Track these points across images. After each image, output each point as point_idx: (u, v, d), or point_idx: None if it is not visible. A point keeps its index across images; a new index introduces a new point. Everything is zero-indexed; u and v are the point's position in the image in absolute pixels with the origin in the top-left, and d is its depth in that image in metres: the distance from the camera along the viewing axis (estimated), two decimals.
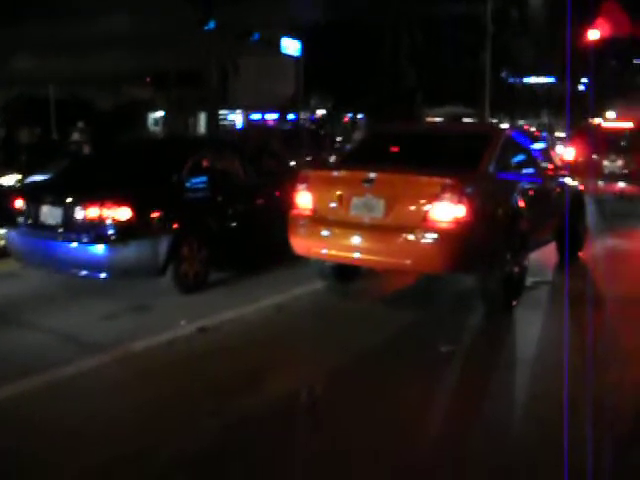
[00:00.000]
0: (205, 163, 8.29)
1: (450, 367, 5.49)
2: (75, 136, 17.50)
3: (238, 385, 5.02)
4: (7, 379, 5.02)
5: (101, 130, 21.45)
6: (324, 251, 6.96)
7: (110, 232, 6.92)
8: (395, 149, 7.86)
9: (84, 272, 7.20)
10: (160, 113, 37.59)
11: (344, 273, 7.58)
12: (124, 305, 6.98)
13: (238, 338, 6.08)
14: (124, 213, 6.95)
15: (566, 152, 17.35)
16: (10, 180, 11.57)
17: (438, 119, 35.21)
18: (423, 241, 6.32)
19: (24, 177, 11.53)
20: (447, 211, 6.23)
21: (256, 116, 38.86)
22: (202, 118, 34.79)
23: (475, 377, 5.33)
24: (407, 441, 4.18)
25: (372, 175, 6.65)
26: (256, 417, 4.49)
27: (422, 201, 6.38)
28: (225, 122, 36.04)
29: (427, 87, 37.04)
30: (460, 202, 6.21)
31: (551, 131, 38.48)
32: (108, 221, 6.92)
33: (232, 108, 36.67)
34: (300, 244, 7.09)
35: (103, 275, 7.11)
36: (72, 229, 7.10)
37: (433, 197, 6.28)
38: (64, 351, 5.74)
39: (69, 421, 4.45)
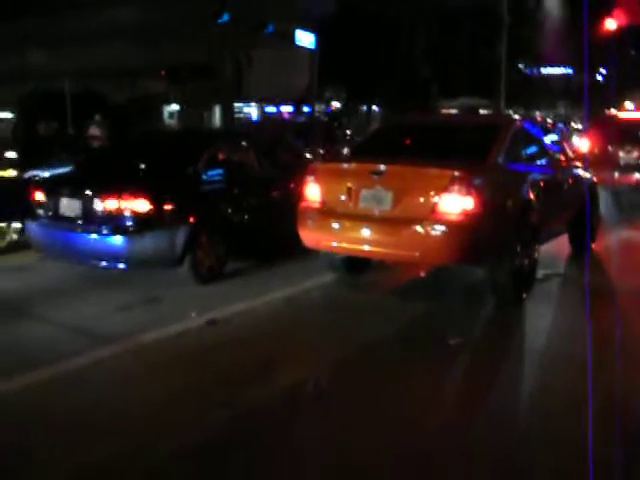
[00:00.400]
0: (221, 155, 8.36)
1: (458, 359, 5.51)
2: (92, 130, 17.43)
3: (246, 377, 5.04)
4: (15, 371, 5.05)
5: (116, 123, 21.47)
6: (333, 244, 6.97)
7: (128, 223, 7.02)
8: (405, 141, 7.84)
9: (103, 263, 7.32)
10: (175, 106, 37.67)
11: (354, 265, 7.58)
12: (139, 296, 7.05)
13: (247, 330, 6.11)
14: (142, 205, 7.04)
15: (582, 143, 17.23)
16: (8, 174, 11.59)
17: (453, 111, 35.05)
18: (432, 233, 6.32)
19: (21, 172, 11.59)
20: (455, 203, 6.22)
21: (271, 109, 38.86)
22: (217, 111, 34.84)
23: (483, 370, 5.32)
24: (411, 432, 4.19)
25: (381, 167, 6.65)
26: (263, 408, 4.52)
27: (431, 193, 6.37)
28: (240, 115, 36.06)
29: (442, 78, 36.88)
30: (468, 194, 6.20)
31: (567, 122, 38.22)
32: (126, 213, 7.02)
33: (247, 101, 36.66)
34: (309, 237, 7.11)
35: (122, 266, 7.22)
36: (91, 221, 7.21)
37: (441, 189, 6.27)
38: (75, 343, 5.78)
39: (74, 413, 4.48)
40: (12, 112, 33.12)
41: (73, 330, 6.14)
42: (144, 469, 3.83)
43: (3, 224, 9.80)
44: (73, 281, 7.75)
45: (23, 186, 9.65)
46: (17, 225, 9.82)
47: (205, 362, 5.36)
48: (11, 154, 14.96)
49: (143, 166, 7.87)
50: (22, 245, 9.58)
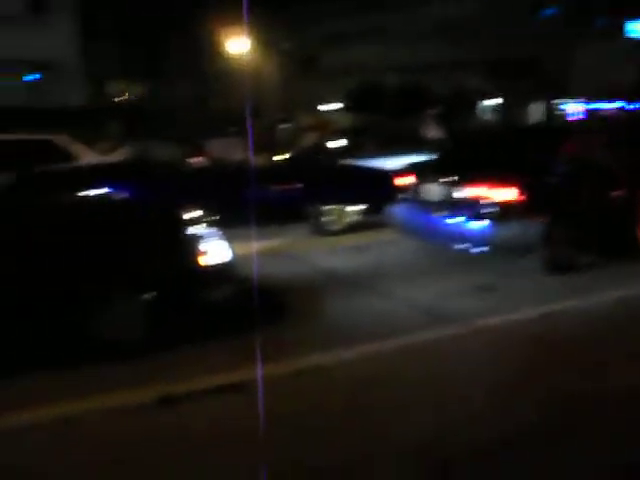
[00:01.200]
0: (572, 150, 8.42)
1: None
2: (428, 125, 17.71)
3: (570, 375, 4.94)
4: (356, 340, 5.63)
5: (443, 117, 22.02)
6: None
7: (492, 210, 7.46)
8: None
9: (461, 245, 7.81)
10: (493, 101, 37.48)
11: None
12: (480, 281, 7.42)
13: (577, 328, 6.03)
14: (509, 194, 7.47)
15: None
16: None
17: None
18: None
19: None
20: None
21: (596, 105, 37.00)
22: (532, 107, 34.05)
23: None
24: None
25: None
26: (583, 407, 4.43)
27: None
28: (557, 112, 34.90)
29: None
30: None
31: None
32: (492, 200, 7.47)
33: (572, 97, 35.32)
34: None
35: (479, 250, 7.65)
36: (456, 206, 7.76)
37: None
38: (414, 319, 6.26)
39: (412, 384, 4.79)
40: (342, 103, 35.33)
41: (413, 307, 6.63)
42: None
43: (340, 207, 10.73)
44: (412, 262, 8.44)
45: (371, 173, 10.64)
46: (355, 208, 10.70)
47: (526, 356, 5.41)
48: (340, 143, 16.21)
49: (505, 158, 8.13)
50: (359, 226, 10.48)
